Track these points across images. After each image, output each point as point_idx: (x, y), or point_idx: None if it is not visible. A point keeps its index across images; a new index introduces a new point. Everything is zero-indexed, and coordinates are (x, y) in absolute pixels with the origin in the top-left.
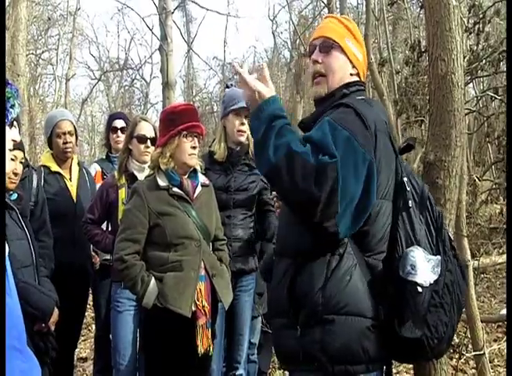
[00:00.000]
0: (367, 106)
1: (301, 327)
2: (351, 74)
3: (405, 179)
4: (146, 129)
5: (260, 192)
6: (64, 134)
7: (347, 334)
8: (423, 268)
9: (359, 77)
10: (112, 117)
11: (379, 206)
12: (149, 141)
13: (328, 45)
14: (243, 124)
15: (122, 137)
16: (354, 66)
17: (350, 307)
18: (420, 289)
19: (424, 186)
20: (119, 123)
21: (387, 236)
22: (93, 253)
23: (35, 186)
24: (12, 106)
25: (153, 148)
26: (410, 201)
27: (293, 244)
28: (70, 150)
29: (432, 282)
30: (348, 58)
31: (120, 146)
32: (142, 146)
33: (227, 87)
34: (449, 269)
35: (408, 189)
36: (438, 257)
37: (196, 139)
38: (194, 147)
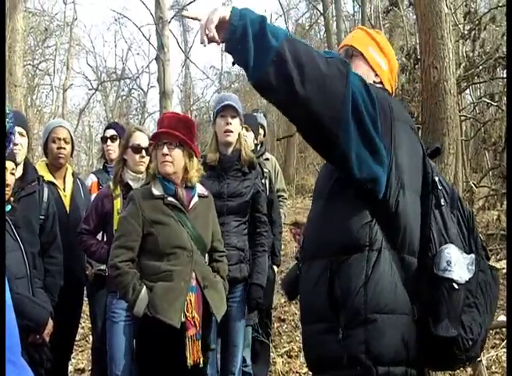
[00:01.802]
0: (396, 102)
1: (343, 330)
2: (375, 82)
3: (437, 178)
4: (141, 139)
5: (253, 197)
6: (59, 139)
7: (390, 333)
8: (460, 264)
9: (384, 87)
10: (105, 128)
11: (408, 197)
12: (143, 151)
13: (350, 54)
14: (228, 123)
15: (112, 146)
16: (377, 75)
17: (391, 305)
18: (456, 286)
19: (454, 187)
20: (108, 132)
21: (419, 233)
22: (87, 264)
23: (46, 200)
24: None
25: (148, 158)
26: (442, 200)
27: (328, 243)
28: (63, 156)
29: (468, 279)
30: (371, 66)
31: (112, 155)
32: (137, 156)
33: None
34: (482, 269)
35: (440, 187)
36: (472, 255)
37: (166, 145)
38: (164, 154)
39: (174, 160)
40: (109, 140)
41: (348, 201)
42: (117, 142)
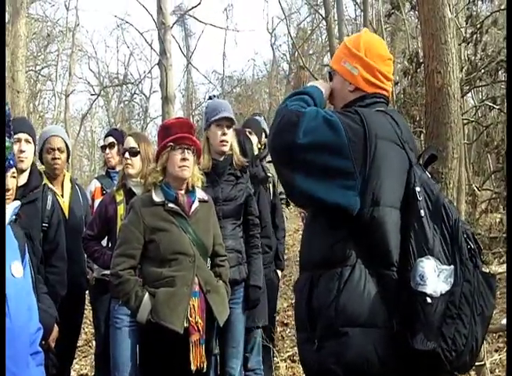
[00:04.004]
0: (377, 115)
1: (317, 341)
2: (350, 91)
3: (418, 189)
4: (127, 142)
5: (246, 200)
6: (53, 150)
7: (361, 345)
8: (433, 278)
9: (363, 90)
10: (104, 136)
11: (384, 213)
12: (127, 153)
13: (330, 75)
14: (224, 134)
15: (110, 153)
16: (350, 83)
17: (363, 318)
18: (429, 300)
19: (440, 194)
20: (107, 140)
21: (398, 246)
22: (88, 269)
23: (49, 207)
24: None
25: (135, 159)
26: (422, 211)
27: (310, 257)
28: (58, 166)
29: (444, 292)
30: (344, 78)
31: (111, 162)
32: (123, 159)
33: (210, 98)
34: (467, 279)
35: (420, 198)
36: (452, 266)
37: (186, 150)
38: (184, 159)
39: (190, 165)
40: (107, 148)
41: (327, 217)
42: (116, 148)
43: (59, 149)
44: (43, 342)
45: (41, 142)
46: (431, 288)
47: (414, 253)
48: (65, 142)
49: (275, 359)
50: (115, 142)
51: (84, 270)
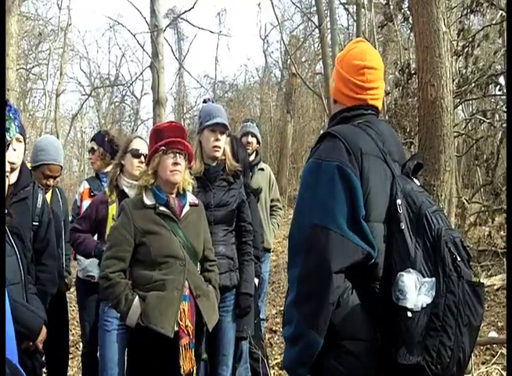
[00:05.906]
0: (357, 132)
1: None
2: (334, 103)
3: (399, 201)
4: (141, 145)
5: (238, 206)
6: (50, 177)
7: (350, 358)
8: (413, 292)
9: (340, 102)
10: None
11: (372, 228)
12: (142, 156)
13: None
14: (217, 140)
15: (92, 158)
16: (332, 95)
17: (348, 332)
18: (409, 314)
19: (422, 203)
20: (89, 145)
21: (383, 260)
22: (66, 273)
23: (40, 206)
24: (8, 129)
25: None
26: (402, 224)
27: None
28: (48, 188)
29: (425, 305)
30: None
31: (94, 166)
32: (136, 161)
33: (204, 102)
34: (451, 291)
35: (400, 211)
36: (433, 279)
37: (178, 155)
38: (176, 164)
39: (182, 169)
40: (90, 153)
41: None
42: (97, 153)
43: (55, 177)
44: (31, 344)
45: (41, 161)
46: (412, 303)
47: (396, 267)
48: (61, 168)
49: None
50: (95, 147)
51: (62, 273)
